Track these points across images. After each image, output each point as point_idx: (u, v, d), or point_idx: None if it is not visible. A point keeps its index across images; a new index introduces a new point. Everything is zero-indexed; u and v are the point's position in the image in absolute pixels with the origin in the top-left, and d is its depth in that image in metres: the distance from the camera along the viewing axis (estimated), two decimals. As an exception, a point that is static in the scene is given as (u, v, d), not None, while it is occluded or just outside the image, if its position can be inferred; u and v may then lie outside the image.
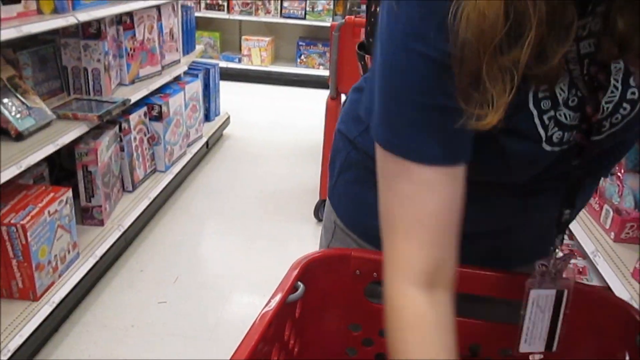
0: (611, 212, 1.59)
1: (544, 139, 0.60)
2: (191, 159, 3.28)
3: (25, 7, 1.86)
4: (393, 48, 0.56)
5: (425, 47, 0.54)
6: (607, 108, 0.61)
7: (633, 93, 0.61)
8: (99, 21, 2.30)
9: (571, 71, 0.58)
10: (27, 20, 1.83)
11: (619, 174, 1.60)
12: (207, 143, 3.58)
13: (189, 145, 3.28)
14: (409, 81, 0.56)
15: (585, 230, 1.64)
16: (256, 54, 5.52)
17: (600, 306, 0.73)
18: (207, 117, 3.80)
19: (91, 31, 2.32)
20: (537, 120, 0.59)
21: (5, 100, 1.90)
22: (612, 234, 1.59)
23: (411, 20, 0.54)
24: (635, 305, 1.39)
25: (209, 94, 3.77)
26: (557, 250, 0.69)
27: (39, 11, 1.95)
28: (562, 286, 0.70)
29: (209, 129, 3.70)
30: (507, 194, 0.71)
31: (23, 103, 1.97)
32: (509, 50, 0.52)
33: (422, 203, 0.58)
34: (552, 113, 0.59)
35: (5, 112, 1.87)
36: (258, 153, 3.84)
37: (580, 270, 1.83)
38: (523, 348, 0.71)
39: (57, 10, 1.98)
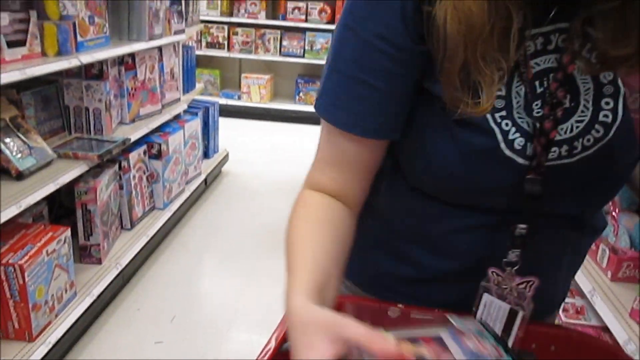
0: (607, 251, 1.60)
1: (500, 139, 0.61)
2: (190, 196, 3.30)
3: (30, 49, 1.91)
4: (338, 24, 0.65)
5: (356, 24, 0.62)
6: (577, 127, 0.62)
7: (606, 116, 0.62)
8: (101, 62, 2.35)
9: (522, 74, 0.60)
10: (32, 62, 1.87)
11: (613, 213, 1.61)
12: (205, 180, 3.60)
13: (187, 183, 3.30)
14: (340, 51, 0.64)
15: (582, 269, 1.65)
16: (255, 91, 5.60)
17: (592, 354, 0.73)
18: (206, 154, 3.83)
19: (93, 72, 2.37)
20: (489, 116, 0.61)
21: (7, 140, 1.93)
22: (609, 273, 1.59)
23: (353, 6, 0.63)
24: (635, 345, 1.38)
25: (208, 132, 3.81)
26: (515, 265, 0.67)
27: (44, 53, 2.00)
28: (520, 307, 0.69)
29: (207, 166, 3.72)
30: (485, 226, 0.70)
31: (24, 143, 1.99)
32: (496, 42, 0.56)
33: (332, 150, 0.69)
34: (504, 113, 0.61)
35: (7, 152, 1.89)
36: (256, 189, 3.85)
37: (579, 309, 1.82)
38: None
39: (61, 53, 2.03)
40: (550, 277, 0.75)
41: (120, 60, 2.57)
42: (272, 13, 5.54)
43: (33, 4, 2.02)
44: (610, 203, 1.63)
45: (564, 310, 1.83)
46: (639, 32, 0.54)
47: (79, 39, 2.13)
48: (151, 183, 2.87)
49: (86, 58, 2.12)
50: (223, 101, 5.44)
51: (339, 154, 0.68)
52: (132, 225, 2.66)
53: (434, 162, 0.65)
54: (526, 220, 0.65)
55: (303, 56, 5.46)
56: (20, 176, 1.91)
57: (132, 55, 2.65)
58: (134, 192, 2.65)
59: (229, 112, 5.41)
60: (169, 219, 2.96)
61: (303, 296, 0.55)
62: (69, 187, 2.24)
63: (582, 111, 0.61)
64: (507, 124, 0.61)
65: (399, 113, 0.66)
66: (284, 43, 5.47)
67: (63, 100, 2.37)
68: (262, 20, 5.41)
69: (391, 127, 0.66)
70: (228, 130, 4.55)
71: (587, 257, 1.70)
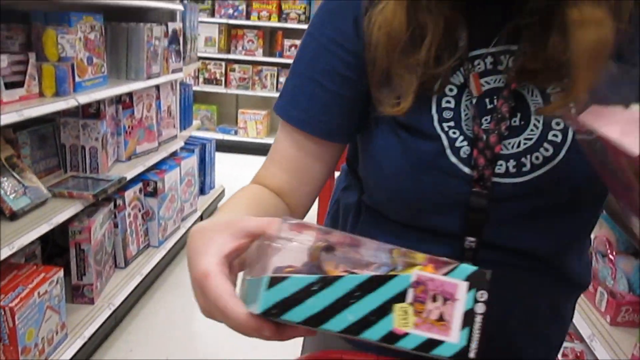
0: (606, 295, 1.59)
1: (446, 144, 0.64)
2: (185, 233, 3.27)
3: (28, 91, 1.92)
4: (304, 33, 0.72)
5: (315, 30, 0.69)
6: (525, 144, 0.63)
7: (555, 135, 0.63)
8: (98, 101, 2.36)
9: (468, 84, 0.64)
10: (29, 103, 1.88)
11: (610, 256, 1.60)
12: (201, 217, 3.58)
13: (183, 220, 3.28)
14: (301, 55, 0.71)
15: (581, 313, 1.63)
16: (252, 126, 5.63)
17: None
18: (202, 191, 3.82)
19: (91, 111, 2.38)
20: (436, 124, 0.64)
21: (1, 180, 1.92)
22: (608, 317, 1.57)
23: (315, 15, 0.71)
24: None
25: (204, 168, 3.81)
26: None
27: (41, 94, 2.00)
28: None
29: (203, 202, 3.71)
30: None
31: (19, 182, 1.98)
32: (413, 52, 0.62)
33: (283, 148, 0.73)
34: (452, 123, 0.64)
35: (1, 192, 1.88)
36: (252, 226, 3.82)
37: (578, 354, 1.80)
38: None
39: (58, 93, 2.04)
40: (521, 326, 0.72)
41: (117, 99, 2.59)
42: (269, 50, 5.62)
43: (32, 46, 2.04)
44: (607, 245, 1.62)
45: (563, 355, 1.80)
46: (550, 49, 0.58)
47: (77, 79, 2.14)
48: (146, 221, 2.85)
49: (83, 98, 2.13)
50: (220, 136, 5.47)
51: (288, 153, 0.72)
52: (126, 264, 2.63)
53: (385, 169, 0.67)
54: (474, 234, 0.65)
55: (299, 92, 5.50)
56: (14, 216, 1.89)
57: (129, 94, 2.66)
58: (128, 230, 2.63)
59: (225, 147, 5.43)
60: (163, 257, 2.93)
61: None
62: (63, 226, 2.23)
63: (532, 130, 0.63)
64: (454, 132, 0.64)
65: (347, 118, 0.70)
66: (281, 79, 5.53)
67: (59, 138, 2.38)
68: (259, 57, 5.49)
69: (338, 130, 0.71)
70: (224, 165, 4.55)
71: (586, 300, 1.68)
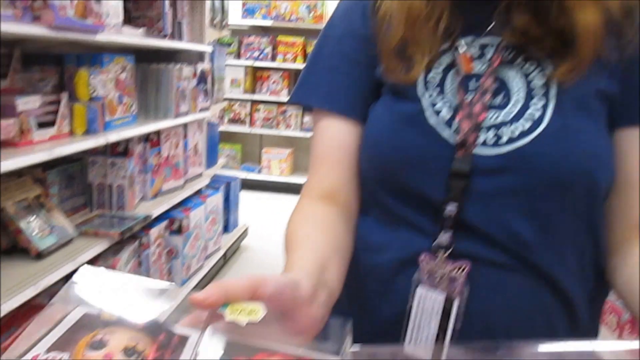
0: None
1: (426, 106, 0.68)
2: (208, 272, 3.24)
3: (59, 130, 1.93)
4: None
5: (329, 30, 0.78)
6: (504, 117, 0.66)
7: (534, 112, 0.65)
8: (127, 140, 2.38)
9: (456, 65, 0.69)
10: (59, 142, 1.89)
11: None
12: (224, 255, 3.55)
13: (206, 258, 3.25)
14: (314, 54, 0.79)
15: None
16: (276, 165, 5.65)
17: None
18: (226, 229, 3.80)
19: (119, 149, 2.39)
20: (420, 88, 0.70)
21: (29, 220, 1.92)
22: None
23: (328, 21, 0.80)
24: None
25: (228, 207, 3.80)
26: (448, 248, 0.66)
27: (71, 133, 2.02)
28: (451, 293, 0.64)
29: (227, 240, 3.69)
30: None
31: (46, 222, 1.98)
32: (427, 23, 0.69)
33: (319, 144, 0.77)
34: (436, 92, 0.69)
35: (27, 232, 1.88)
36: (276, 265, 3.77)
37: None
38: (407, 349, 0.65)
39: (88, 132, 2.05)
40: (506, 325, 0.66)
41: (145, 138, 2.60)
42: (294, 90, 5.68)
43: (65, 87, 2.07)
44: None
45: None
46: (550, 18, 0.65)
47: (107, 118, 2.16)
48: (170, 259, 2.82)
49: (113, 137, 2.14)
50: (243, 175, 5.48)
51: (323, 144, 0.76)
52: (149, 304, 2.59)
53: (371, 127, 0.73)
54: (455, 198, 0.65)
55: (323, 131, 5.52)
56: (39, 256, 1.88)
57: (157, 133, 2.68)
58: (152, 269, 2.60)
59: (248, 185, 5.44)
60: (185, 297, 2.89)
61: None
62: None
63: (513, 105, 0.66)
64: (435, 99, 0.69)
65: (361, 96, 0.75)
66: (305, 119, 5.56)
67: (87, 177, 2.39)
68: (283, 97, 5.54)
69: (354, 106, 0.75)
70: (247, 203, 4.55)
71: None
